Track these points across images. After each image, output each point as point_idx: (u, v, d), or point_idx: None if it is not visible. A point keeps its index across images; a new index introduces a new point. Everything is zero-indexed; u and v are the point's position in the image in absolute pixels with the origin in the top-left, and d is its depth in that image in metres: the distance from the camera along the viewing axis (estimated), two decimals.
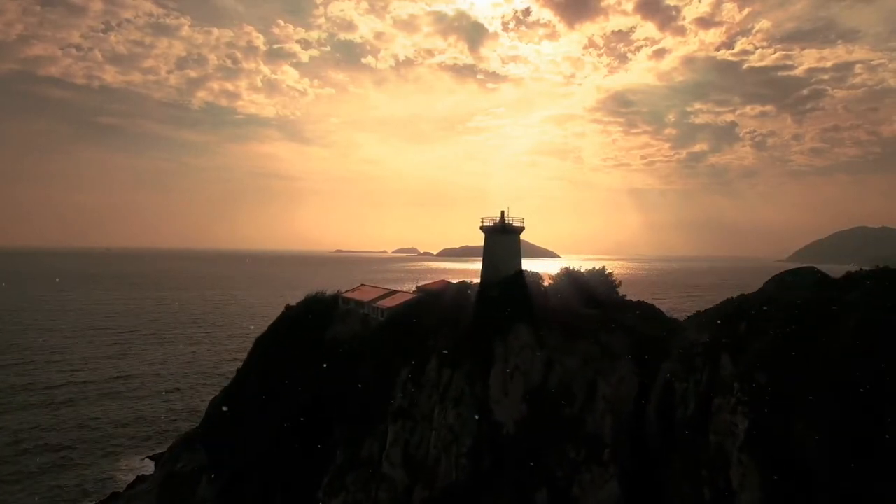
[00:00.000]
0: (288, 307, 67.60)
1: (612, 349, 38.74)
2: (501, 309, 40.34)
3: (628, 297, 59.55)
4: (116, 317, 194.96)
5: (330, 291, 72.34)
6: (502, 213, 47.88)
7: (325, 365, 48.36)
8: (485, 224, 48.01)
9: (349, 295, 63.99)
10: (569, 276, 57.33)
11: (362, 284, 69.46)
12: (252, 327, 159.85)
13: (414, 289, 66.83)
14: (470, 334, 39.64)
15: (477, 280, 54.50)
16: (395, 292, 59.70)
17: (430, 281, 65.90)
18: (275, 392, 54.09)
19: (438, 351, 40.75)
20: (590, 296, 54.81)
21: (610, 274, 56.79)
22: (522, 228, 47.99)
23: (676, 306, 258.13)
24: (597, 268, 58.24)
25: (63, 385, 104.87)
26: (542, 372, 37.39)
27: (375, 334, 48.90)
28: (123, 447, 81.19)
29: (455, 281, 69.01)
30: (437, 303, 49.52)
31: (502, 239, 46.76)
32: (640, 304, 57.57)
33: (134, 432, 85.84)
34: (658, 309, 58.73)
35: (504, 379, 37.29)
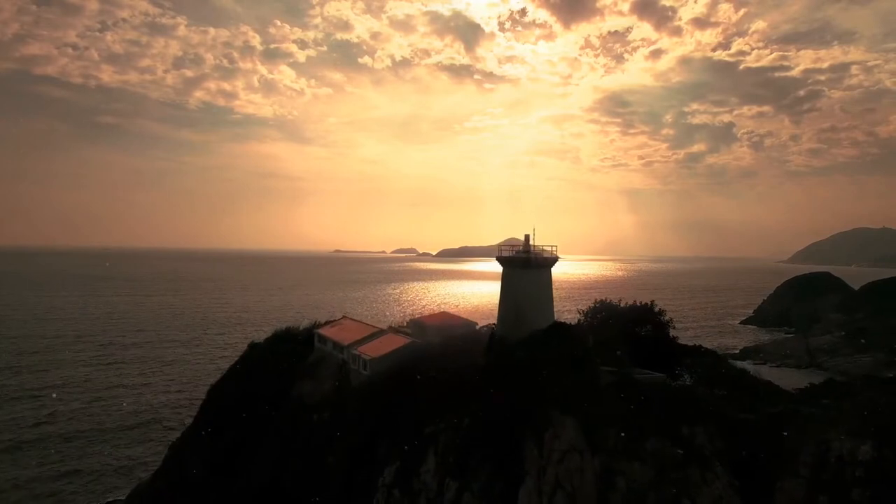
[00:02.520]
0: (252, 346, 54.67)
1: (698, 449, 25.88)
2: (532, 386, 27.56)
3: (679, 338, 46.89)
4: (100, 325, 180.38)
5: (306, 322, 59.73)
6: (527, 237, 34.89)
7: (283, 442, 35.48)
8: (503, 253, 34.91)
9: (326, 332, 51.00)
10: (608, 313, 44.57)
11: (344, 316, 56.49)
12: (243, 339, 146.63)
13: (407, 321, 54.10)
14: (486, 427, 26.74)
15: (484, 305, 41.96)
16: (381, 332, 46.63)
17: (428, 313, 53.07)
18: (223, 469, 41.25)
19: (439, 445, 27.91)
20: (634, 339, 42.15)
21: (660, 311, 43.84)
22: (556, 259, 34.93)
23: (686, 315, 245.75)
24: (641, 302, 45.34)
25: (18, 418, 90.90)
26: (596, 490, 24.58)
27: (353, 402, 35.93)
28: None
29: (459, 313, 56.31)
30: (437, 357, 36.56)
31: (529, 276, 33.60)
32: (700, 352, 44.80)
33: (84, 485, 72.05)
34: (724, 359, 45.99)
35: (539, 502, 24.56)
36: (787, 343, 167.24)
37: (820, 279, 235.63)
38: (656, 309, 43.72)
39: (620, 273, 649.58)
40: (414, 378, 33.87)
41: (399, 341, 42.38)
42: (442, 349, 39.45)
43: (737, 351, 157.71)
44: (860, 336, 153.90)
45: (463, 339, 43.29)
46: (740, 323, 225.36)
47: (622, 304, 45.93)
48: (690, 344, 46.11)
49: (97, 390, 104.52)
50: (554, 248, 34.73)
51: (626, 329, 42.66)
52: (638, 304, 44.83)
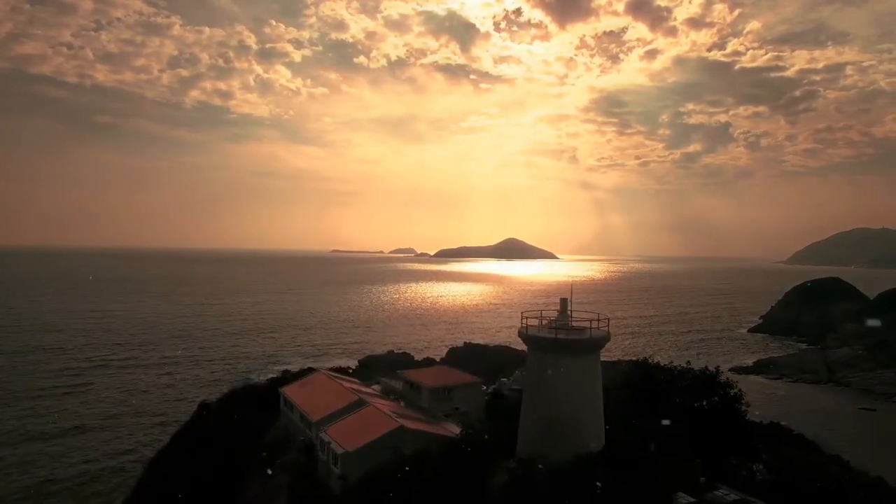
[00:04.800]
0: (203, 407, 43.92)
1: None
2: None
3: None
4: (83, 338, 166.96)
5: (278, 367, 49.27)
6: (564, 301, 23.98)
7: None
8: (528, 327, 23.71)
9: (293, 394, 40.12)
10: (654, 379, 34.02)
11: (320, 370, 45.69)
12: (230, 356, 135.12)
13: (398, 373, 43.62)
14: None
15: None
16: (361, 403, 35.72)
17: (419, 368, 42.56)
18: None
19: None
20: (693, 416, 31.76)
21: (728, 382, 33.17)
22: (607, 339, 23.60)
23: (690, 320, 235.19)
24: (701, 369, 34.72)
25: None
26: None
27: None
28: None
29: (456, 366, 45.78)
30: (433, 461, 26.06)
31: (569, 366, 22.25)
32: (781, 434, 34.30)
33: None
34: (816, 446, 35.46)
35: None
36: (803, 356, 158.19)
37: (830, 285, 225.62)
38: (722, 378, 33.18)
39: (619, 274, 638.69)
40: (399, 499, 23.29)
41: (382, 424, 31.62)
42: (439, 447, 29.02)
43: (750, 364, 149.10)
44: (881, 349, 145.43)
45: (463, 412, 32.92)
46: (748, 331, 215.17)
47: (672, 366, 35.49)
48: (766, 421, 35.45)
49: (51, 428, 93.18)
50: (603, 321, 23.09)
51: (684, 403, 32.28)
52: (696, 370, 34.33)
